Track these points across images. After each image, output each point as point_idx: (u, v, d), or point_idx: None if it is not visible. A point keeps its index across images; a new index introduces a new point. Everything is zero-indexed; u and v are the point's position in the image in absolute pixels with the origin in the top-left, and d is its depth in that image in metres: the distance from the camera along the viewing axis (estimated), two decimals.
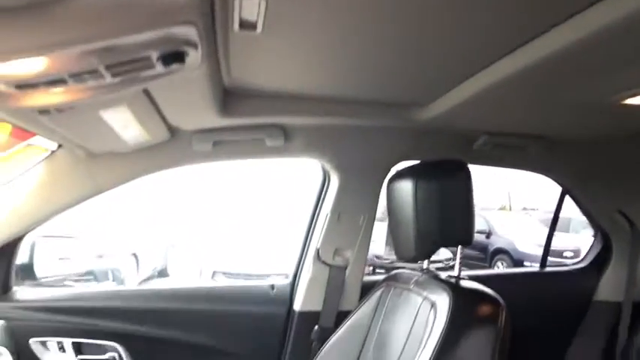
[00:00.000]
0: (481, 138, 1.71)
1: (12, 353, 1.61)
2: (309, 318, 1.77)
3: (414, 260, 1.39)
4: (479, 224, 7.70)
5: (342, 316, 1.66)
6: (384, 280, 1.59)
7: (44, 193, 1.56)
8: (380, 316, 1.50)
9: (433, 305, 1.23)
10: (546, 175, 2.01)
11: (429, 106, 1.47)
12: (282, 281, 1.88)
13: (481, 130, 1.70)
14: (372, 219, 1.80)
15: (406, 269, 1.55)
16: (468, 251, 5.27)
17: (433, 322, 1.19)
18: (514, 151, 1.82)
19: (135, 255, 5.54)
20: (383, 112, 1.51)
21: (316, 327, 1.76)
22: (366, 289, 1.67)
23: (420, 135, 1.67)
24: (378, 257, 5.02)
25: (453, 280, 1.32)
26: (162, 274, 6.10)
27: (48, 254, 1.93)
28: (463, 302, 1.20)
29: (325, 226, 1.78)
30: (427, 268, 1.47)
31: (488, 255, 9.12)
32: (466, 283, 1.31)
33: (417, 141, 1.70)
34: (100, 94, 0.97)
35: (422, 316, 1.26)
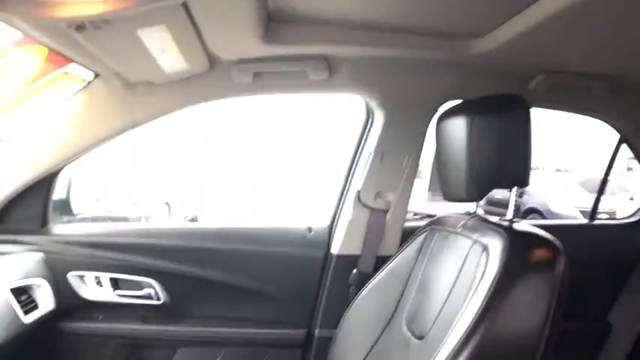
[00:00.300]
0: (538, 77, 1.59)
1: (51, 285, 1.63)
2: (347, 262, 1.73)
3: (466, 201, 1.31)
4: None
5: (381, 261, 1.60)
6: (427, 225, 1.52)
7: (80, 126, 1.52)
8: (423, 260, 1.43)
9: (485, 248, 1.15)
10: (605, 121, 1.87)
11: (484, 37, 1.36)
12: (320, 224, 1.82)
13: (539, 67, 1.57)
14: (416, 160, 1.71)
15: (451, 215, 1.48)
16: (500, 209, 5.15)
17: (485, 266, 1.11)
18: (574, 92, 1.68)
19: (167, 204, 5.62)
20: (435, 43, 1.40)
21: (354, 271, 1.71)
22: (407, 235, 1.60)
23: (472, 72, 1.56)
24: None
25: (506, 223, 1.23)
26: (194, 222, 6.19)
27: (84, 193, 1.91)
28: (518, 245, 1.12)
29: (367, 168, 1.70)
30: (475, 212, 1.39)
31: (520, 214, 8.94)
32: (521, 227, 1.22)
33: (469, 78, 1.58)
34: (137, 5, 0.89)
35: (472, 260, 1.19)
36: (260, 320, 1.78)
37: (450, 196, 1.34)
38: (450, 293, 1.21)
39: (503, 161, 1.23)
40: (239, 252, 1.74)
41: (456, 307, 1.13)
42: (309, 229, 1.80)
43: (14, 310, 1.44)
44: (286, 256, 1.76)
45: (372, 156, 1.69)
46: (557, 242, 1.14)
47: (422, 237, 1.49)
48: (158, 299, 1.73)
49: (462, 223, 1.34)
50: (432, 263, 1.39)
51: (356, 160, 1.77)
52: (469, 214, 1.39)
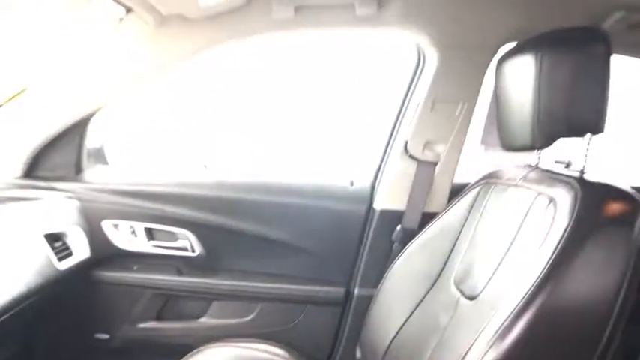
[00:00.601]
0: (616, 14, 1.40)
1: (86, 233, 1.59)
2: (391, 218, 1.61)
3: (530, 149, 1.16)
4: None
5: (427, 218, 1.48)
6: (480, 179, 1.38)
7: (111, 67, 1.45)
8: (476, 216, 1.30)
9: (552, 201, 1.02)
10: None
11: None
12: (363, 177, 1.71)
13: (617, 2, 1.38)
14: (471, 109, 1.56)
15: (508, 168, 1.34)
16: None
17: (552, 221, 0.98)
18: None
19: (205, 167, 5.60)
20: None
21: (398, 228, 1.60)
22: (456, 191, 1.47)
23: (537, 8, 1.38)
24: None
25: (576, 174, 1.09)
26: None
27: (119, 142, 1.86)
28: (592, 198, 0.98)
29: (416, 116, 1.56)
30: (537, 164, 1.25)
31: None
32: (594, 179, 1.08)
33: (533, 15, 1.40)
34: None
35: (536, 214, 1.06)
36: (297, 276, 1.70)
37: (510, 146, 1.20)
38: (507, 251, 1.09)
39: (575, 104, 1.08)
40: (278, 205, 1.66)
41: (516, 265, 1.01)
42: (351, 183, 1.70)
43: (48, 257, 1.42)
44: (326, 210, 1.66)
45: (421, 103, 1.55)
46: (638, 196, 0.99)
47: (474, 192, 1.36)
48: (193, 251, 1.68)
49: (522, 176, 1.20)
50: (486, 219, 1.27)
51: (404, 108, 1.63)
52: (530, 166, 1.25)
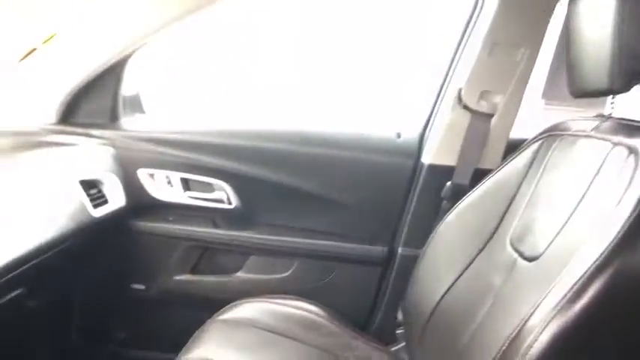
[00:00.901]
0: None
1: (121, 181, 1.56)
2: (441, 173, 1.50)
3: (607, 93, 1.02)
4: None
5: (479, 174, 1.36)
6: (542, 132, 1.24)
7: (144, 8, 1.37)
8: (538, 170, 1.17)
9: (632, 151, 0.88)
10: None
11: None
12: (411, 129, 1.59)
13: None
14: (534, 55, 1.40)
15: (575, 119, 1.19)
16: None
17: (633, 172, 0.85)
18: None
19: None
20: None
21: (448, 184, 1.49)
22: (512, 147, 1.34)
23: None
24: None
25: None
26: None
27: (155, 90, 1.80)
28: None
29: (472, 62, 1.42)
30: (611, 114, 1.10)
31: None
32: None
33: None
34: None
35: (612, 166, 0.92)
36: (336, 233, 1.62)
37: (583, 90, 1.05)
38: (576, 208, 0.96)
39: None
40: (318, 156, 1.56)
41: (587, 222, 0.88)
42: (398, 135, 1.58)
43: (83, 203, 1.39)
44: (370, 163, 1.56)
45: (479, 49, 1.41)
46: None
47: (535, 146, 1.22)
48: (230, 203, 1.62)
49: (594, 126, 1.06)
50: (550, 174, 1.13)
51: (459, 53, 1.49)
52: (602, 116, 1.11)
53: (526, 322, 0.81)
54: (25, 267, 1.14)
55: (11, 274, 1.10)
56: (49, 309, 1.58)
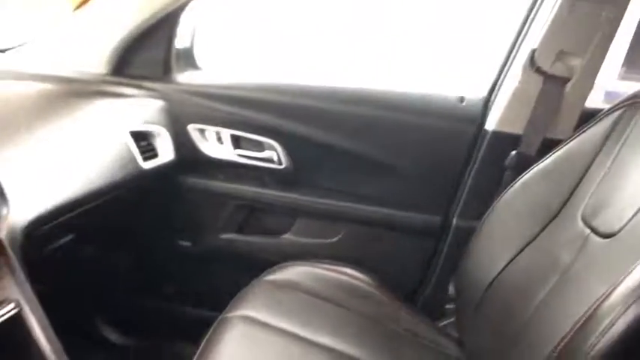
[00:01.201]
0: None
1: (171, 135, 1.54)
2: (506, 141, 1.39)
3: None
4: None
5: (548, 144, 1.26)
6: (623, 100, 1.11)
7: None
8: (617, 142, 1.05)
9: None
10: None
11: None
12: (475, 92, 1.48)
13: None
14: (619, 14, 1.26)
15: None
16: None
17: None
18: None
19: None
20: None
21: (513, 153, 1.38)
22: (586, 117, 1.21)
23: None
24: None
25: None
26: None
27: (209, 43, 1.75)
28: None
29: (550, 19, 1.29)
30: None
31: None
32: None
33: None
34: None
35: None
36: (388, 200, 1.55)
37: None
38: None
39: None
40: (374, 118, 1.48)
41: None
42: (461, 99, 1.47)
43: (133, 154, 1.37)
44: (429, 128, 1.47)
45: (557, 5, 1.28)
46: None
47: (614, 116, 1.09)
48: (280, 163, 1.57)
49: None
50: (632, 146, 1.02)
51: (535, 9, 1.36)
52: None
53: (602, 302, 0.73)
54: (74, 212, 1.13)
55: (62, 218, 1.10)
56: (98, 259, 1.61)
